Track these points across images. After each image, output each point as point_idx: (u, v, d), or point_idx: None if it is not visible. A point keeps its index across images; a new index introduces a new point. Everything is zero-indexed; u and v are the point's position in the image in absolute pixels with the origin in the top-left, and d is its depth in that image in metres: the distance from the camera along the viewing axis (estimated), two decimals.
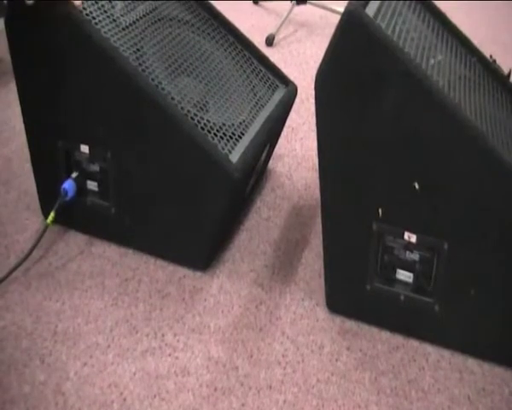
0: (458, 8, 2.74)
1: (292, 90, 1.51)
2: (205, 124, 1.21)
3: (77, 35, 1.16)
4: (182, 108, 1.19)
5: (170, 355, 1.14)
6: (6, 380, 1.08)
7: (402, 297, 1.15)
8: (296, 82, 1.55)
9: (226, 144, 1.22)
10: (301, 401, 1.08)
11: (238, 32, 1.49)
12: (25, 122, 1.33)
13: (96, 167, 1.31)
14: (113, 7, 1.25)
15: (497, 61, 1.30)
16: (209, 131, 1.20)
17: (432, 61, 1.07)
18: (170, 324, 1.21)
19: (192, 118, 1.19)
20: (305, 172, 1.67)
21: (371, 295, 1.17)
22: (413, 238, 1.10)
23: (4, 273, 1.26)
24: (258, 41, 2.39)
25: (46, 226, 1.33)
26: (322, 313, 1.25)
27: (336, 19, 1.03)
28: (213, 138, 1.20)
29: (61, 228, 1.41)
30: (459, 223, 1.04)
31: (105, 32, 1.17)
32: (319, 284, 1.31)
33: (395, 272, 1.15)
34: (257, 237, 1.44)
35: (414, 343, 1.19)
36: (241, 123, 1.30)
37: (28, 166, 1.60)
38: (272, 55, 2.30)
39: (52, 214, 1.31)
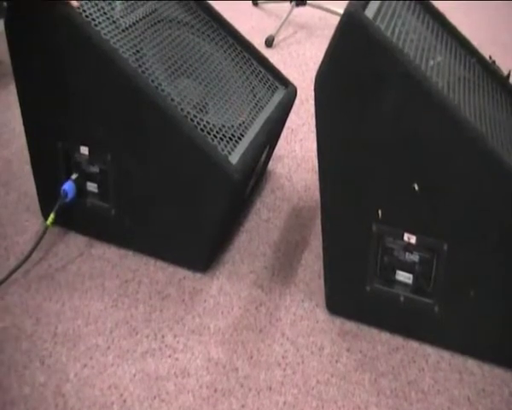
0: (457, 8, 2.74)
1: (291, 92, 1.51)
2: (204, 125, 1.21)
3: (76, 37, 1.16)
4: (182, 109, 1.19)
5: (170, 356, 1.14)
6: (6, 382, 1.08)
7: (402, 298, 1.15)
8: (296, 83, 1.55)
9: (226, 146, 1.22)
10: (301, 403, 1.08)
11: (238, 34, 1.49)
12: (24, 124, 1.33)
13: (95, 169, 1.31)
14: (112, 8, 1.25)
15: (497, 62, 1.30)
16: (209, 133, 1.20)
17: (431, 63, 1.07)
18: (170, 325, 1.21)
19: (192, 119, 1.19)
20: (305, 174, 1.67)
21: (371, 297, 1.17)
22: (413, 239, 1.10)
23: (4, 275, 1.26)
24: (258, 42, 2.39)
25: (46, 228, 1.33)
26: (321, 314, 1.25)
27: (336, 20, 1.03)
28: (213, 140, 1.20)
29: (61, 230, 1.41)
30: (459, 224, 1.04)
31: (105, 34, 1.17)
32: (319, 285, 1.31)
33: (395, 273, 1.15)
34: (257, 238, 1.44)
35: (414, 344, 1.19)
36: (240, 124, 1.30)
37: (28, 168, 1.60)
38: (272, 56, 2.31)
39: (52, 216, 1.31)
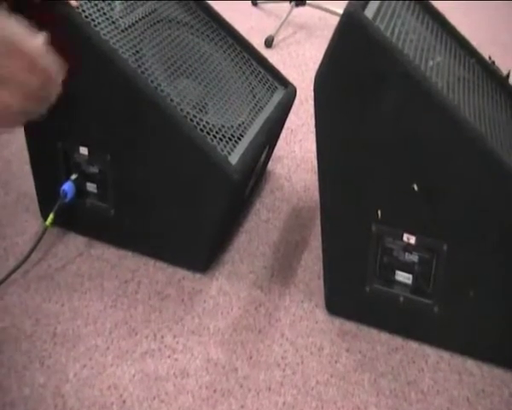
0: (457, 8, 2.74)
1: (291, 92, 1.51)
2: (204, 125, 1.21)
3: (76, 37, 1.16)
4: (181, 109, 1.19)
5: (169, 357, 1.14)
6: (6, 382, 1.08)
7: (401, 299, 1.15)
8: (295, 83, 1.54)
9: (225, 146, 1.22)
10: (300, 403, 1.08)
11: (237, 34, 1.49)
12: (24, 124, 1.33)
13: (95, 169, 1.31)
14: (112, 9, 1.25)
15: (496, 63, 1.30)
16: (208, 133, 1.20)
17: (431, 63, 1.07)
18: (169, 325, 1.20)
19: (191, 119, 1.19)
20: (305, 174, 1.67)
21: (370, 297, 1.17)
22: (412, 240, 1.10)
23: (3, 275, 1.26)
24: (258, 43, 2.39)
25: (45, 228, 1.32)
26: (321, 314, 1.25)
27: (335, 20, 1.03)
28: (213, 140, 1.20)
29: (61, 230, 1.41)
30: (458, 224, 1.04)
31: (104, 34, 1.17)
32: (318, 285, 1.31)
33: (394, 273, 1.15)
34: (256, 238, 1.44)
35: (413, 345, 1.19)
36: (240, 124, 1.30)
37: (27, 168, 1.60)
38: (271, 56, 2.30)
39: (51, 216, 1.31)
